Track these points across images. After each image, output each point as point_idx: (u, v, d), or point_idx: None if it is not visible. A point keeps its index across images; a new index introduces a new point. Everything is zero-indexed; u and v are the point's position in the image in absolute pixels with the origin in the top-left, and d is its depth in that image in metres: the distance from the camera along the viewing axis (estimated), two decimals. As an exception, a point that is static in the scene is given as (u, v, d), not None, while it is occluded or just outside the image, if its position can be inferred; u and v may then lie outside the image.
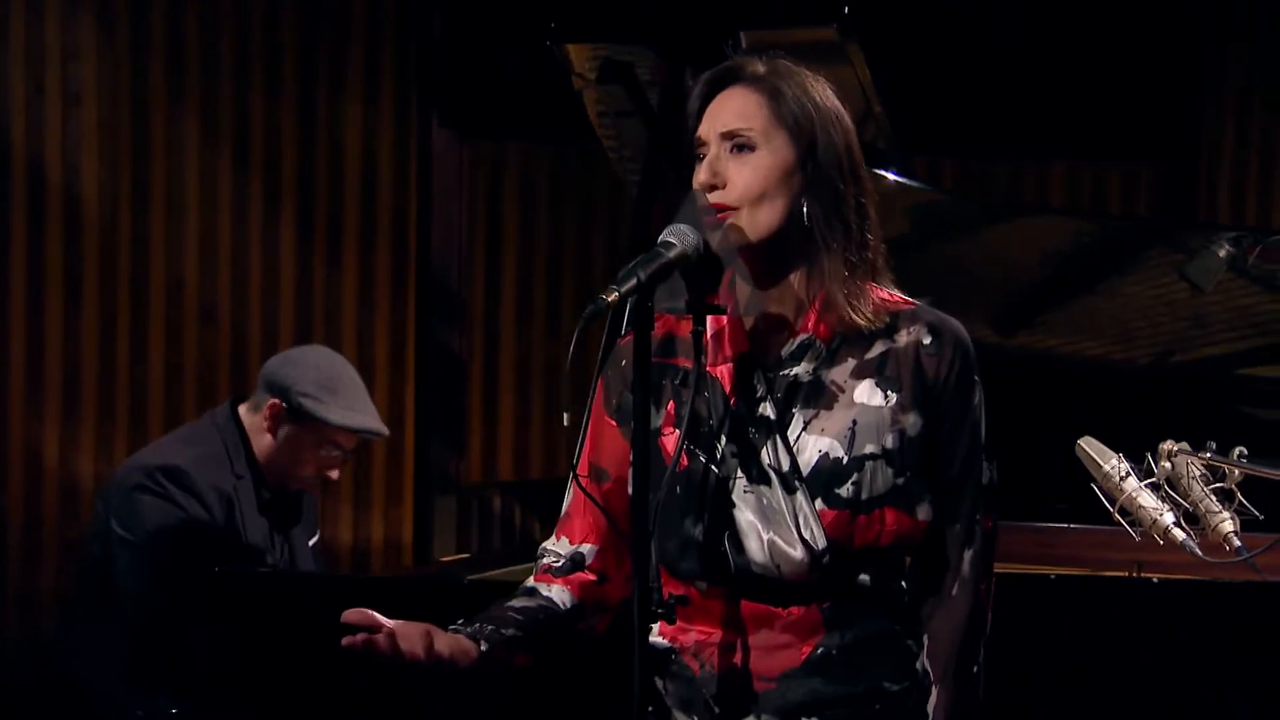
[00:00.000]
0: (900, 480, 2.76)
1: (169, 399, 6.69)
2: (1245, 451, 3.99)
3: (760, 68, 2.84)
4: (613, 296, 2.68)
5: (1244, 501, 4.00)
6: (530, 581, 2.96)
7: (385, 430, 4.85)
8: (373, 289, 6.85)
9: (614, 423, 2.93)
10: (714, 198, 2.78)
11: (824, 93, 2.84)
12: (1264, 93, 6.97)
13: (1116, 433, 4.13)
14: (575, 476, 2.93)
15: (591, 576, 2.95)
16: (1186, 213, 6.85)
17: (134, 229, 6.64)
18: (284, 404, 4.69)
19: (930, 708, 2.81)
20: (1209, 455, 3.92)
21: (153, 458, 4.72)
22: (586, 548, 2.94)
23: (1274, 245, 4.23)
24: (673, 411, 2.84)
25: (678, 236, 2.74)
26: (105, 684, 4.59)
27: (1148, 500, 4.02)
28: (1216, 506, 4.00)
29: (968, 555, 2.82)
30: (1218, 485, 4.02)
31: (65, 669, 4.68)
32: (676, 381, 2.85)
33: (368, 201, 6.83)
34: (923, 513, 2.78)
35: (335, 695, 3.96)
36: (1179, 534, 3.98)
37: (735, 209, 2.77)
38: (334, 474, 4.78)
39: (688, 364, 2.84)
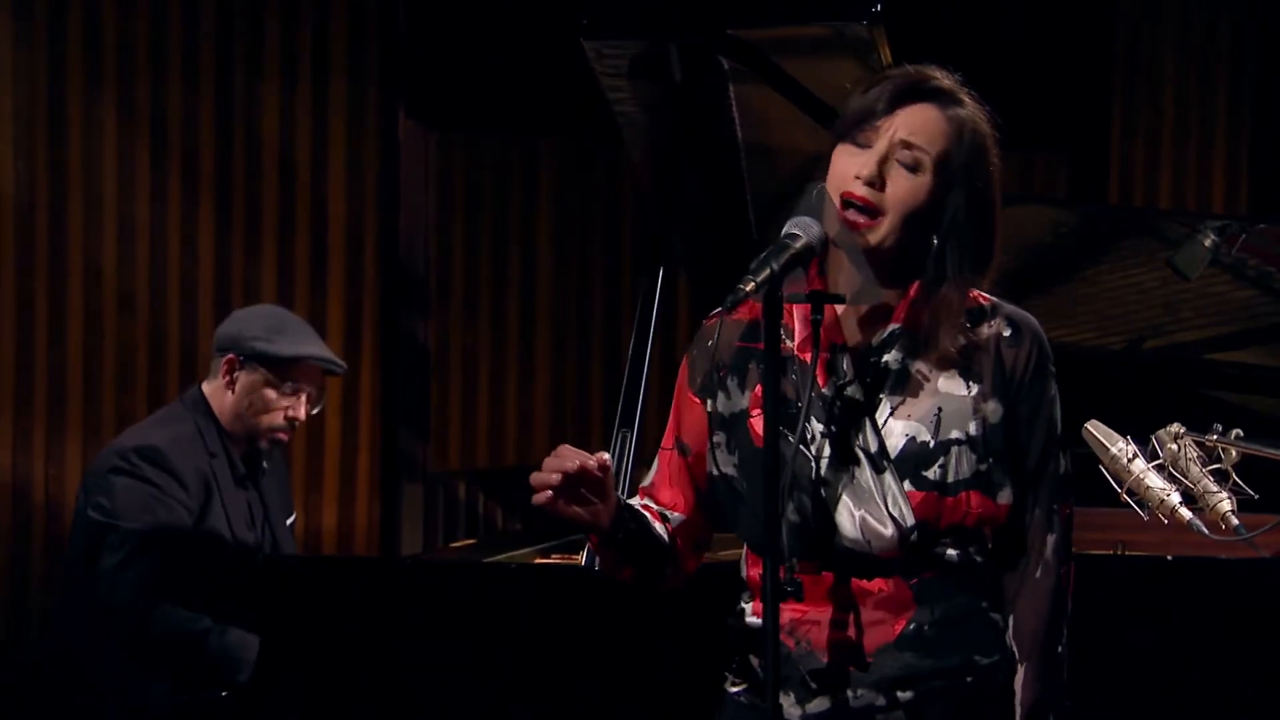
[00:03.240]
0: (983, 466, 2.89)
1: (87, 387, 6.65)
2: (1241, 433, 4.18)
3: (948, 86, 2.95)
4: (750, 286, 2.78)
5: (1239, 481, 4.20)
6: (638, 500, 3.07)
7: (342, 363, 4.95)
8: (291, 276, 6.86)
9: (697, 400, 3.04)
10: (865, 192, 2.88)
11: (990, 133, 2.96)
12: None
13: (1089, 418, 4.31)
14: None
15: (675, 537, 3.05)
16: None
17: (51, 217, 6.59)
18: (237, 354, 4.75)
19: (1017, 685, 2.94)
20: (1214, 438, 4.10)
21: (127, 440, 4.75)
22: (675, 515, 3.05)
23: (1256, 237, 4.40)
24: (760, 394, 2.93)
25: (802, 228, 2.85)
26: (105, 673, 4.59)
27: (1155, 481, 4.19)
28: (1214, 487, 4.18)
29: (1050, 541, 2.95)
30: (1215, 466, 4.21)
31: (63, 661, 4.67)
32: (764, 365, 2.94)
33: (285, 189, 6.84)
34: (1004, 497, 2.91)
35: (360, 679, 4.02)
36: (1185, 513, 4.15)
37: (880, 213, 2.88)
38: (300, 414, 4.82)
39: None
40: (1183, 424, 4.20)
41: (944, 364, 2.91)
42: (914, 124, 2.91)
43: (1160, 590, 4.11)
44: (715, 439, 2.99)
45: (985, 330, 2.93)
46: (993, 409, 2.90)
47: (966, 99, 2.96)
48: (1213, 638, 4.09)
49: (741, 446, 2.94)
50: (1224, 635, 4.08)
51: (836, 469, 2.89)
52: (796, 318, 2.93)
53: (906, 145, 2.89)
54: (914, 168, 2.89)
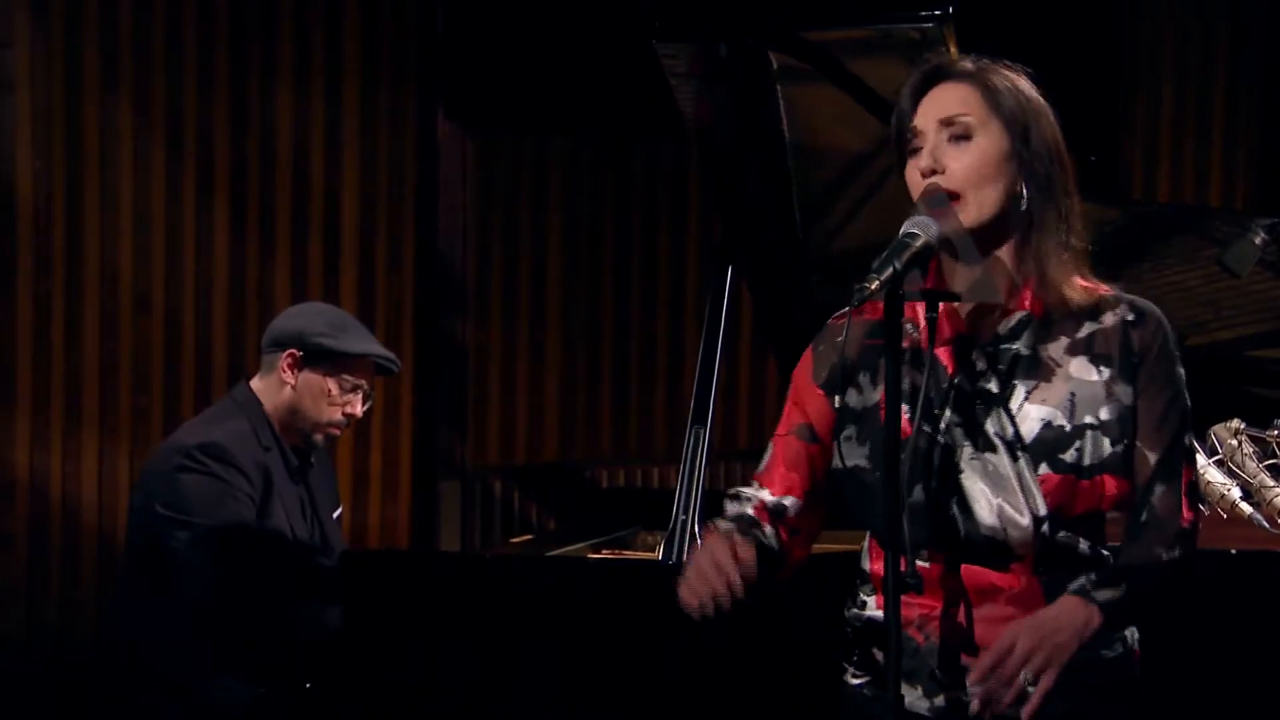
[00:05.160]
0: (1117, 448, 2.95)
1: (104, 388, 6.66)
2: (1298, 427, 4.28)
3: (969, 64, 3.04)
4: (874, 284, 2.84)
5: (1294, 476, 4.29)
6: (749, 510, 3.09)
7: (399, 362, 4.99)
8: (305, 277, 6.91)
9: (821, 392, 3.10)
10: (934, 182, 2.96)
11: (1029, 86, 3.04)
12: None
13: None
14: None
15: (785, 530, 3.09)
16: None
17: (68, 217, 6.60)
18: (300, 350, 4.79)
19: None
20: (1275, 433, 4.20)
21: (187, 438, 4.77)
22: (790, 500, 3.10)
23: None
24: None
25: (920, 227, 2.92)
26: (173, 667, 4.62)
27: (1215, 476, 4.30)
28: (1271, 481, 4.29)
29: (1178, 504, 2.97)
30: (1271, 461, 4.31)
31: (126, 659, 4.70)
32: (885, 360, 2.99)
33: (300, 190, 6.89)
34: (1136, 478, 2.98)
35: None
36: (1246, 508, 4.27)
37: (959, 194, 2.96)
38: (357, 411, 4.87)
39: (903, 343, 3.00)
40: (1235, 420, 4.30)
41: (1074, 350, 2.98)
42: (943, 102, 2.99)
43: (1218, 585, 4.17)
44: (845, 433, 3.05)
45: (1110, 318, 3.00)
46: (1124, 392, 2.96)
47: (1000, 68, 3.03)
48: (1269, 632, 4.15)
49: (872, 439, 2.99)
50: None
51: (971, 458, 2.95)
52: (921, 314, 2.99)
53: (946, 122, 2.97)
54: (963, 136, 2.97)
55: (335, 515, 4.98)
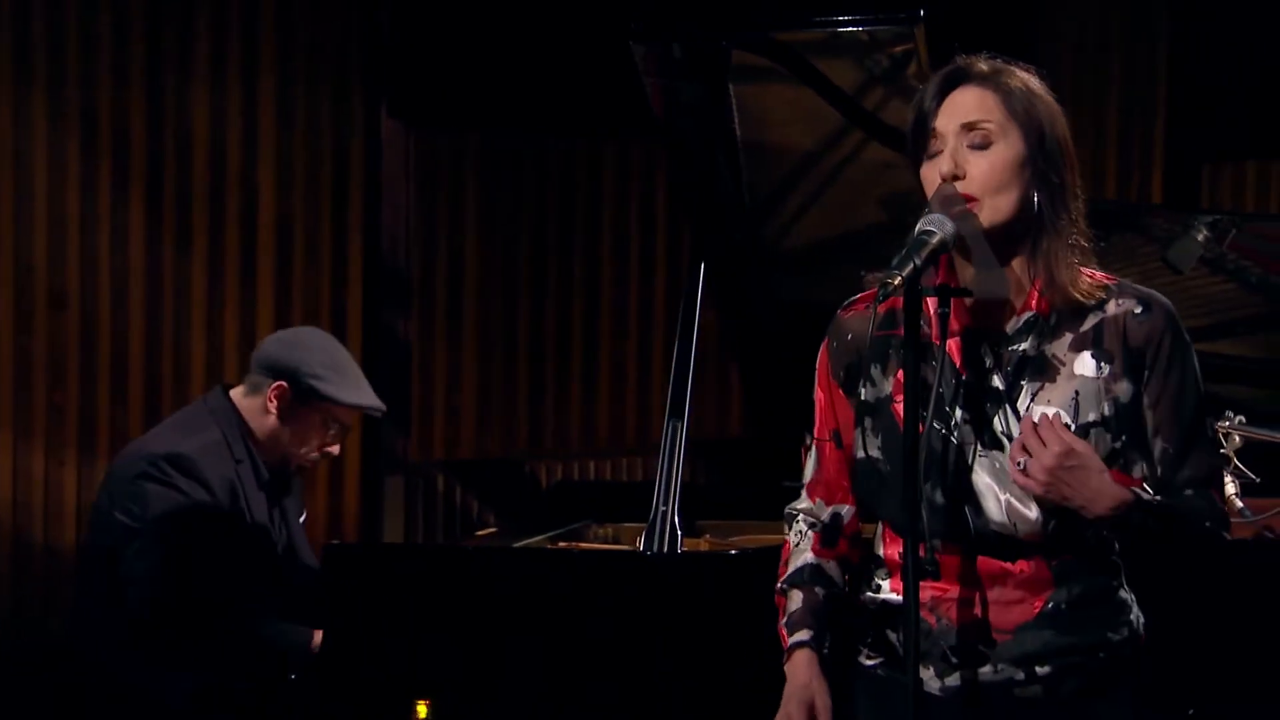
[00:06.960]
0: (1117, 444, 3.05)
1: (18, 384, 6.60)
2: (1244, 419, 4.40)
3: (985, 66, 3.12)
4: (896, 280, 2.93)
5: (1240, 465, 4.41)
6: (812, 556, 3.21)
7: (384, 406, 4.96)
8: (222, 272, 6.88)
9: (842, 391, 3.18)
10: (955, 187, 3.04)
11: (1044, 90, 3.12)
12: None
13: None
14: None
15: (846, 542, 3.22)
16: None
17: (-18, 214, 6.55)
18: (291, 387, 4.75)
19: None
20: (1226, 424, 4.32)
21: (155, 446, 4.73)
22: (845, 509, 3.21)
23: (1244, 235, 4.58)
24: (902, 380, 3.05)
25: (936, 225, 3.00)
26: (127, 669, 4.61)
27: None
28: (1219, 471, 4.40)
29: (1213, 494, 3.11)
30: (1219, 451, 4.42)
31: (85, 658, 4.69)
32: (904, 355, 3.05)
33: (216, 184, 6.86)
34: (1138, 471, 3.08)
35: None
36: (1199, 498, 4.37)
37: (976, 199, 3.04)
38: (335, 450, 4.87)
39: None
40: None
41: (1077, 345, 3.07)
42: (964, 107, 3.06)
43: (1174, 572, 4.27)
44: (862, 425, 3.13)
45: (1114, 308, 3.09)
46: (1124, 389, 3.06)
47: (1014, 69, 3.11)
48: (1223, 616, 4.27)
49: (885, 430, 3.08)
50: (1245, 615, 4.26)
51: (980, 454, 3.04)
52: (933, 309, 3.06)
53: (968, 127, 3.05)
54: (984, 145, 3.04)
55: (301, 519, 4.98)
